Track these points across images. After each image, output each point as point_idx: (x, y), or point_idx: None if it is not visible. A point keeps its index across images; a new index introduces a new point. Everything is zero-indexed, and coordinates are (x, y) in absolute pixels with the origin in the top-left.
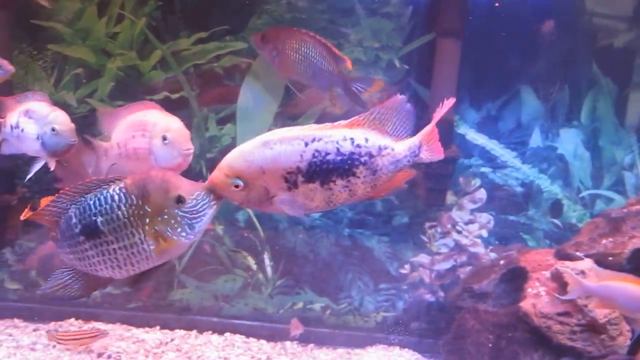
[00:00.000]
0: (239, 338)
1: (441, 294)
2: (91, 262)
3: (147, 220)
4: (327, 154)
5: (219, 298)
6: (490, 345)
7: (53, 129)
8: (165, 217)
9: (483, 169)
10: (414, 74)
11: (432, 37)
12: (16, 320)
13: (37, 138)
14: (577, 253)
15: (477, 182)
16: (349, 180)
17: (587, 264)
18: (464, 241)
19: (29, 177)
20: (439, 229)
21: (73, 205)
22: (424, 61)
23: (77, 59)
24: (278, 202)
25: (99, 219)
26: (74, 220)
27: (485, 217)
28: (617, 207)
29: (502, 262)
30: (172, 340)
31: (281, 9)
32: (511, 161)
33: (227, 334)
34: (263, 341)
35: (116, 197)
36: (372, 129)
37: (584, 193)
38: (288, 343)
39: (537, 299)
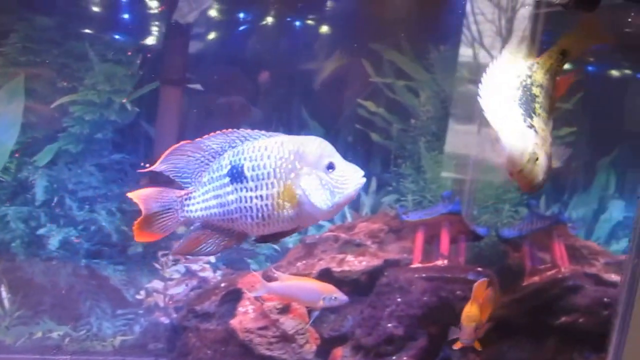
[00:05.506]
0: None
1: (175, 316)
2: (229, 210)
3: (293, 175)
4: None
5: None
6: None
7: None
8: (312, 176)
9: None
10: (144, 115)
11: (156, 85)
12: None
13: None
14: (277, 274)
15: None
16: None
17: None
18: (194, 267)
19: None
20: (170, 257)
21: (230, 149)
22: (153, 105)
23: None
24: None
25: (246, 164)
26: (225, 160)
27: None
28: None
29: (223, 284)
30: None
31: (15, 51)
32: None
33: None
34: None
35: (269, 148)
36: None
37: None
38: None
39: (245, 316)
